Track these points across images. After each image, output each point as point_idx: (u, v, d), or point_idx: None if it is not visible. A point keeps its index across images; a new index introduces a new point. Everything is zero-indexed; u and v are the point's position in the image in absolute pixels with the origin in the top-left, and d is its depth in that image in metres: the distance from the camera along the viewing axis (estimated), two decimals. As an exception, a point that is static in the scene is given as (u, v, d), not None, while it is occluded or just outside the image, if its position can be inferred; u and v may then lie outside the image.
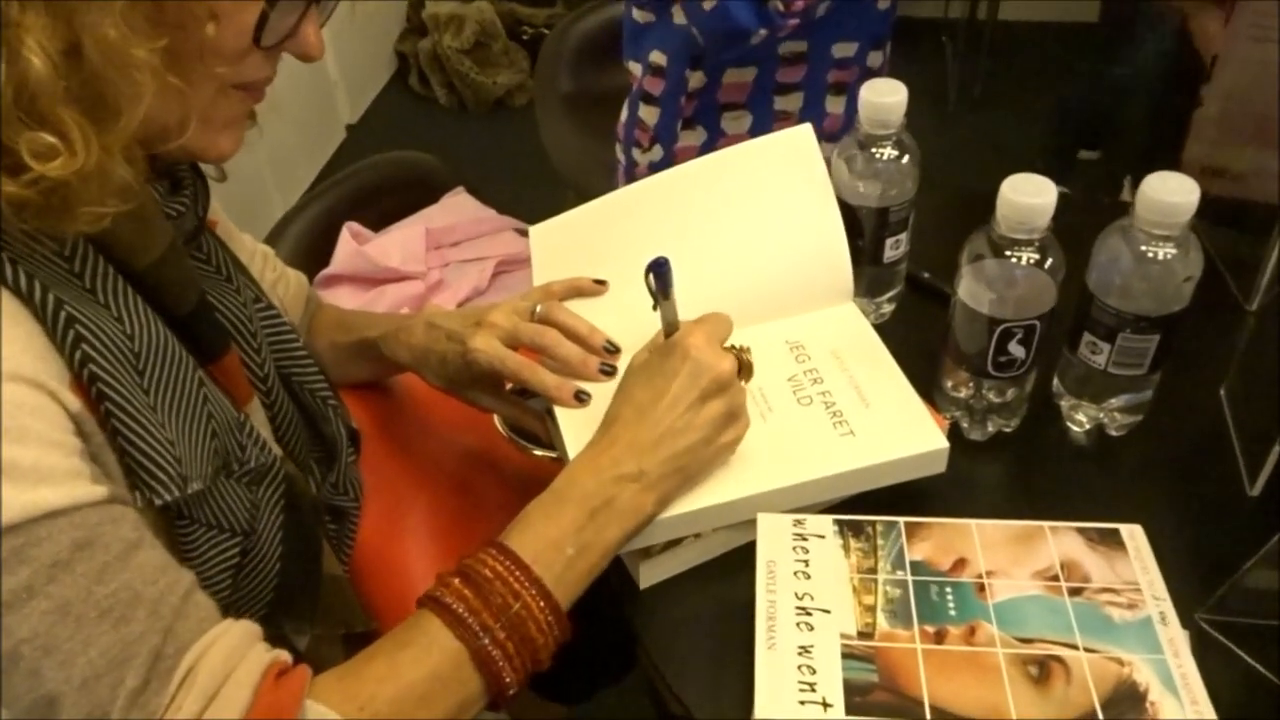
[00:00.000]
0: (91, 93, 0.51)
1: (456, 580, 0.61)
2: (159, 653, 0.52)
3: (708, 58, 1.09)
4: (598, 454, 0.68)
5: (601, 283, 0.85)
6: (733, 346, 0.73)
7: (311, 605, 0.73)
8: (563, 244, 0.90)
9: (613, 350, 0.80)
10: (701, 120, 1.15)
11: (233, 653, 0.54)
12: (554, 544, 0.64)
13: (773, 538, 0.70)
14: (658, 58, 1.14)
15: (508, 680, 0.61)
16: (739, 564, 0.73)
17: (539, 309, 0.81)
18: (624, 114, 1.23)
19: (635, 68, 1.18)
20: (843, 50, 1.13)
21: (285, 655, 0.58)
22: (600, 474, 0.67)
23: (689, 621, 0.73)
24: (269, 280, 0.91)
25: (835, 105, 1.17)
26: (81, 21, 0.50)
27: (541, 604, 0.62)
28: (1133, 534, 0.69)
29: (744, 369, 0.72)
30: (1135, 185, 0.72)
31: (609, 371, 0.79)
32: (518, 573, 0.62)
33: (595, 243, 0.89)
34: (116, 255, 0.58)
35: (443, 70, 3.02)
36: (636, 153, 1.21)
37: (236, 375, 0.69)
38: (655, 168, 1.20)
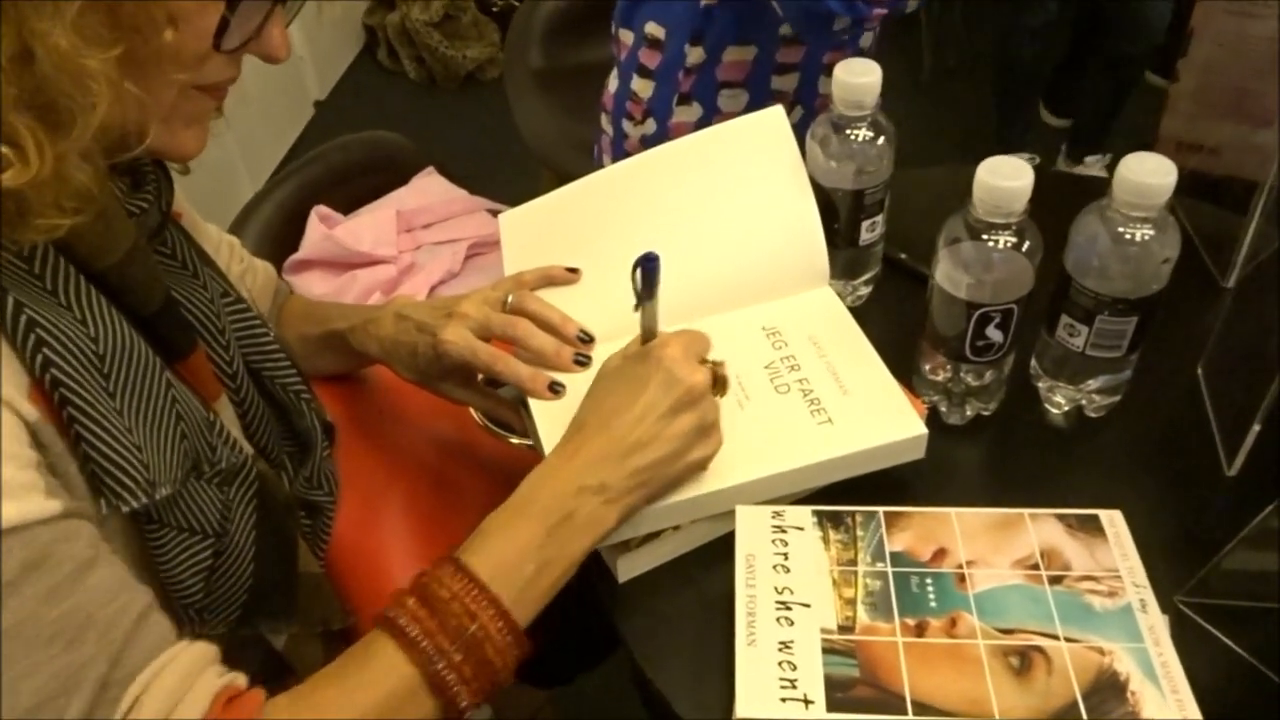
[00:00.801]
0: (44, 100, 0.49)
1: (412, 600, 0.60)
2: (106, 680, 0.51)
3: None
4: (560, 463, 0.66)
5: (574, 271, 0.83)
6: (709, 361, 0.71)
7: (288, 604, 0.72)
8: (534, 231, 0.89)
9: (587, 340, 0.79)
10: (698, 96, 1.13)
11: (183, 679, 0.53)
12: (513, 561, 0.62)
13: (752, 531, 0.70)
14: (654, 30, 1.12)
15: (464, 705, 0.59)
16: (718, 554, 0.72)
17: (510, 299, 0.80)
18: (612, 84, 1.21)
19: (627, 36, 1.16)
20: (840, 31, 1.12)
21: (239, 680, 0.57)
22: (561, 486, 0.65)
23: (668, 615, 0.72)
24: (236, 271, 0.89)
25: (828, 86, 1.15)
26: (31, 29, 0.48)
27: (500, 624, 0.60)
28: (1112, 520, 0.69)
29: (719, 384, 0.70)
30: (1107, 163, 0.72)
31: (583, 361, 0.78)
32: (475, 592, 0.60)
33: (567, 229, 0.87)
34: (78, 256, 0.57)
35: (412, 44, 2.97)
36: (628, 125, 1.20)
37: (204, 373, 0.67)
38: (648, 141, 1.19)
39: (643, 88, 1.15)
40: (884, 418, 0.75)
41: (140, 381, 0.57)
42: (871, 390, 0.77)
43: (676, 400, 0.67)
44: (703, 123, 1.15)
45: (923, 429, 0.74)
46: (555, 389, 0.76)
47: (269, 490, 0.69)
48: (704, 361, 0.70)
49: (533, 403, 0.76)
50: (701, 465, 0.69)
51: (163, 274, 0.65)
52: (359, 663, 0.59)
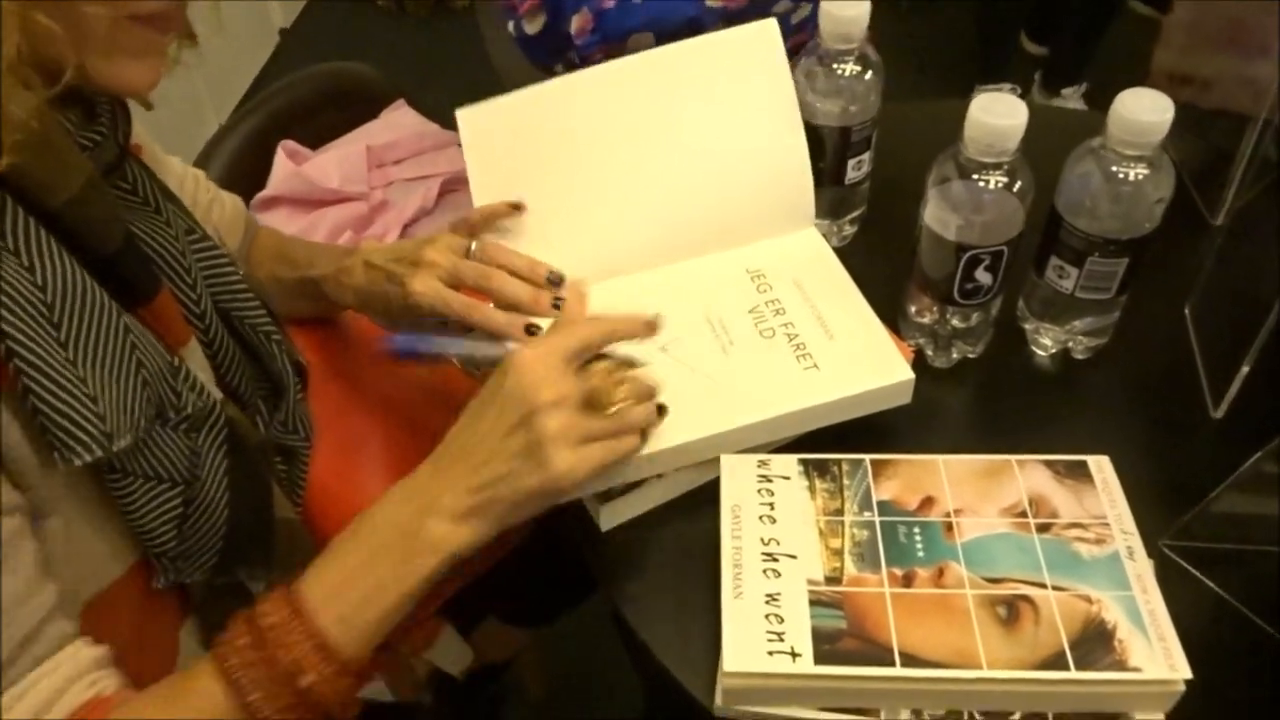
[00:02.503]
0: None
1: (242, 626, 0.58)
2: None
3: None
4: (405, 482, 0.63)
5: (518, 207, 0.81)
6: (602, 360, 0.65)
7: (265, 551, 0.71)
8: (497, 132, 0.83)
9: (557, 281, 0.77)
10: None
11: (55, 692, 0.53)
12: (341, 588, 0.60)
13: (737, 480, 0.68)
14: None
15: None
16: (702, 502, 0.71)
17: (474, 247, 0.78)
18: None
19: None
20: None
21: (107, 689, 0.55)
22: (402, 506, 0.62)
23: (652, 565, 0.71)
24: (203, 204, 0.86)
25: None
26: None
27: (319, 657, 0.58)
28: (1100, 466, 0.68)
29: (597, 396, 0.63)
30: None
31: (559, 305, 0.76)
32: (296, 622, 0.58)
33: (536, 137, 0.82)
34: (28, 195, 0.53)
35: (379, -32, 2.88)
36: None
37: (170, 316, 0.65)
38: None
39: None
40: (870, 363, 0.73)
41: (95, 329, 0.55)
42: (858, 335, 0.75)
43: (516, 419, 0.61)
44: None
45: (910, 374, 0.73)
46: (531, 330, 0.74)
47: (241, 435, 0.66)
48: (590, 362, 0.65)
49: (510, 347, 0.74)
50: (540, 494, 0.61)
51: (122, 212, 0.62)
52: (184, 687, 0.57)
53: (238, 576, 0.69)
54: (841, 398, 0.72)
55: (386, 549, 0.61)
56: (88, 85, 0.56)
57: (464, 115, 0.84)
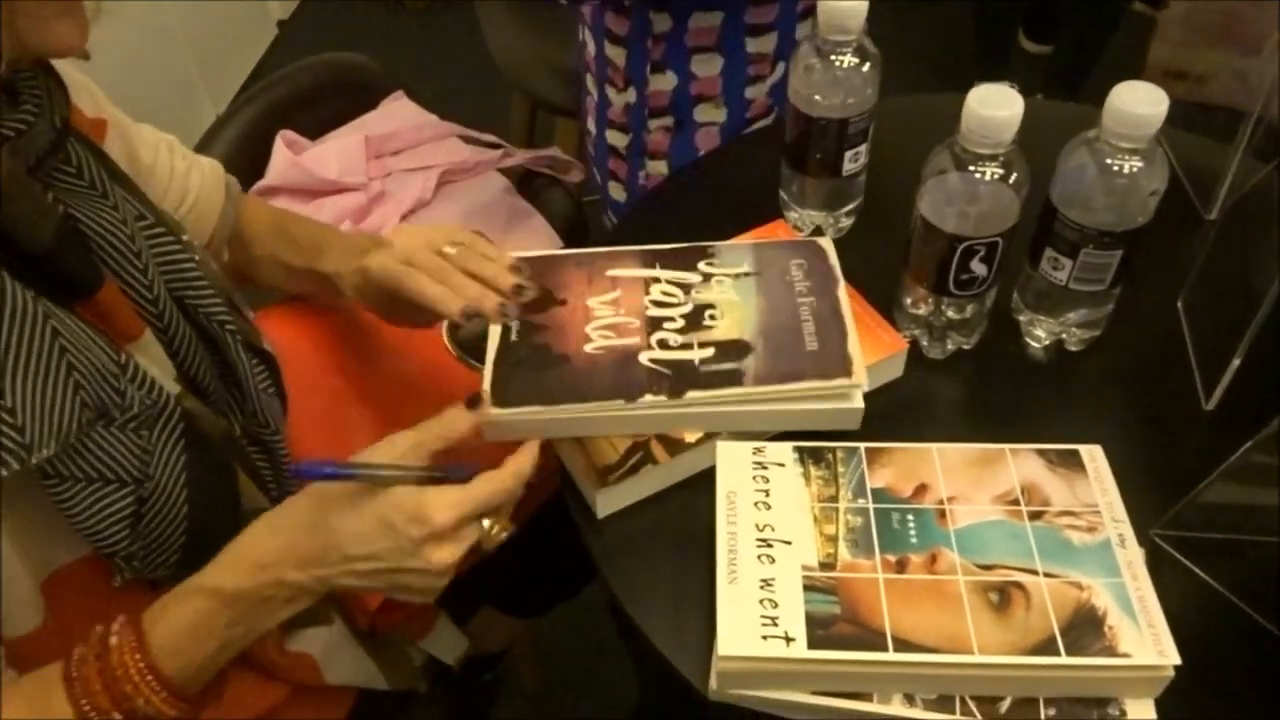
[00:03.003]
0: None
1: (92, 656, 0.58)
2: None
3: None
4: (274, 545, 0.62)
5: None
6: (488, 524, 0.63)
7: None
8: None
9: (519, 290, 0.73)
10: (671, 64, 1.08)
11: None
12: (192, 639, 0.60)
13: (732, 467, 0.69)
14: None
15: None
16: (697, 489, 0.72)
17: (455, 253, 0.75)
18: (589, 47, 1.16)
19: None
20: None
21: None
22: (264, 574, 0.61)
23: (647, 551, 0.72)
24: (180, 171, 0.84)
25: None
26: None
27: (164, 695, 0.58)
28: (1092, 455, 0.69)
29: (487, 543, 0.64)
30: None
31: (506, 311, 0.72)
32: (143, 667, 0.58)
33: None
34: None
35: (377, -39, 2.87)
36: (611, 92, 1.14)
37: (117, 310, 0.62)
38: (631, 110, 1.13)
39: (617, 55, 1.10)
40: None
41: (14, 337, 0.53)
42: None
43: (393, 565, 0.61)
44: (680, 91, 1.10)
45: (860, 403, 0.69)
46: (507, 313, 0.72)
47: (200, 429, 0.65)
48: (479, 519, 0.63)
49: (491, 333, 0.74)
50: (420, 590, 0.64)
51: (66, 196, 0.60)
52: (41, 707, 0.57)
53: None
54: (789, 409, 0.69)
55: (246, 613, 0.61)
56: (25, 57, 0.55)
57: None
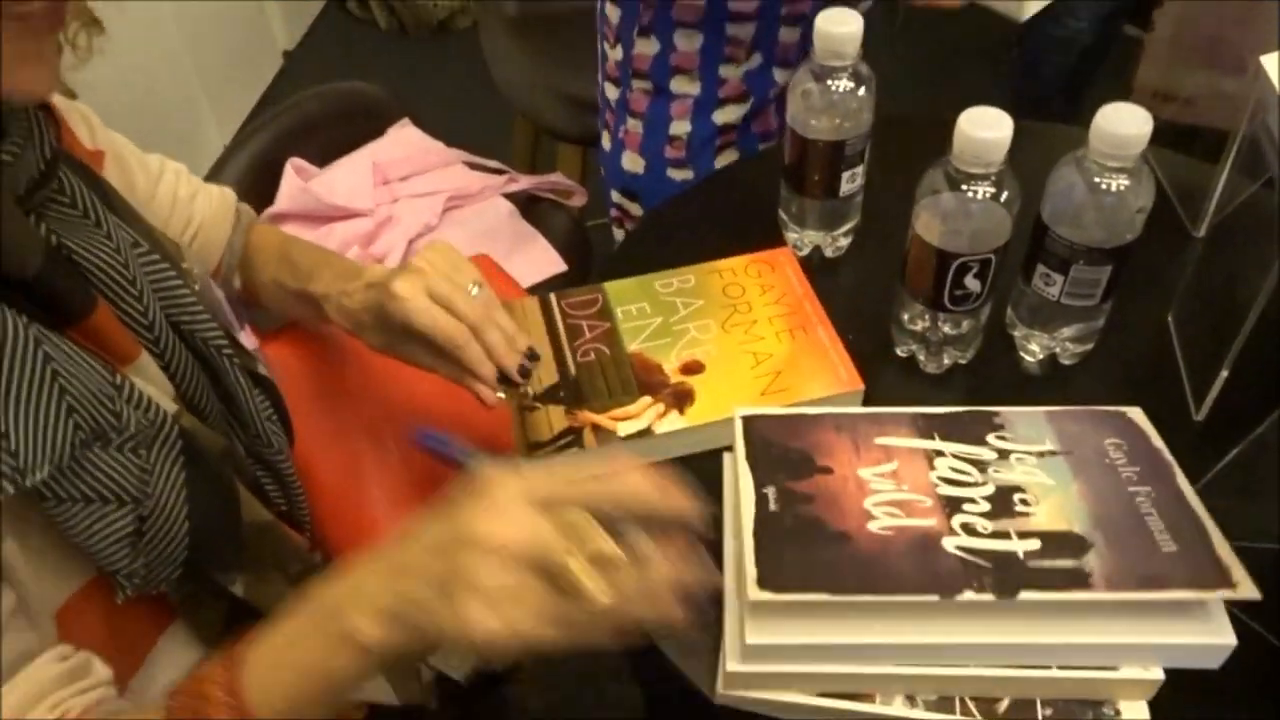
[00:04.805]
0: None
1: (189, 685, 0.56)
2: None
3: None
4: (351, 569, 0.57)
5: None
6: (568, 507, 0.52)
7: (234, 556, 0.70)
8: None
9: (532, 357, 0.78)
10: (656, 31, 1.14)
11: (13, 710, 0.52)
12: (276, 668, 0.56)
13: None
14: None
15: None
16: (704, 487, 0.73)
17: (476, 291, 0.77)
18: (598, 4, 1.23)
19: None
20: None
21: (70, 711, 0.55)
22: (334, 585, 0.57)
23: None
24: (184, 197, 0.85)
25: (791, 35, 1.15)
26: None
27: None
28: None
29: (557, 569, 0.50)
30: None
31: (525, 374, 0.77)
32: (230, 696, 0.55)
33: None
34: None
35: (381, -8, 2.92)
36: (606, 47, 1.23)
37: (112, 333, 0.62)
38: (620, 67, 1.20)
39: (612, 12, 1.18)
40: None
41: (2, 362, 0.53)
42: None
43: (447, 538, 0.53)
44: (660, 58, 1.16)
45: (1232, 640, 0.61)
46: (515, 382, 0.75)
47: (198, 446, 0.65)
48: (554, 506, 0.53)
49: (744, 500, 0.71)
50: (455, 640, 0.51)
51: (57, 225, 0.61)
52: None
53: (211, 576, 0.68)
54: None
55: (315, 628, 0.56)
56: None
57: None
